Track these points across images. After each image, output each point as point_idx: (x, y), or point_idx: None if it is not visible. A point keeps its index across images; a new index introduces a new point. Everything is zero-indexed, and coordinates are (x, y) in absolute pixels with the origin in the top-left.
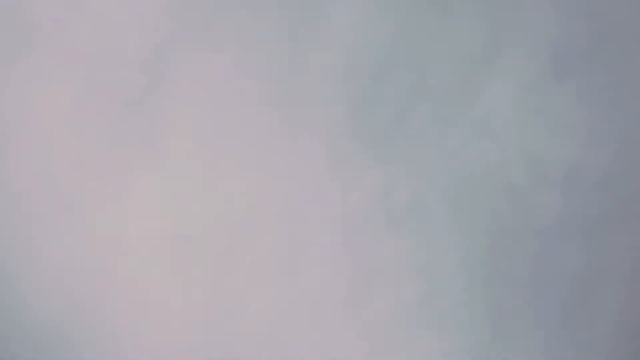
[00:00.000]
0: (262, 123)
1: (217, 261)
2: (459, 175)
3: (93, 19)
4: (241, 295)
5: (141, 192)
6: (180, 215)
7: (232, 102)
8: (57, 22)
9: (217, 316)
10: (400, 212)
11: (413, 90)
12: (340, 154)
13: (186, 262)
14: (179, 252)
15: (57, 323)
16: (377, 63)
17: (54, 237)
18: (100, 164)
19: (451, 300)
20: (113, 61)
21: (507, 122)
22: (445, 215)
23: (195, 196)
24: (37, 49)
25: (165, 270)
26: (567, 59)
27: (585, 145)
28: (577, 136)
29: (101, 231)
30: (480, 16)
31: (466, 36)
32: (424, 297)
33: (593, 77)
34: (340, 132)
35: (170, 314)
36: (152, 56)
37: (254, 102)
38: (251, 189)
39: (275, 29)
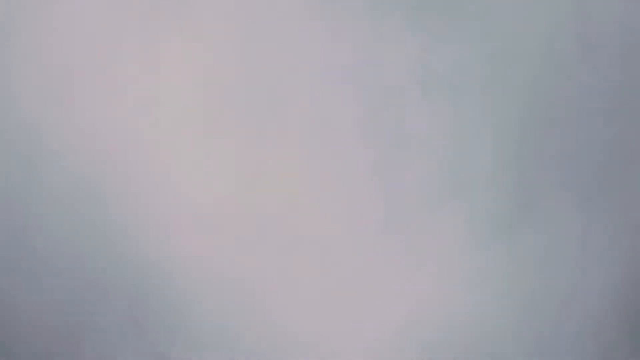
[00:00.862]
0: None
1: (247, 129)
2: (498, 46)
3: None
4: (269, 162)
5: (174, 61)
6: (212, 85)
7: None
8: None
9: (245, 182)
10: (435, 85)
11: None
12: (374, 25)
13: (216, 131)
14: (209, 120)
15: (86, 179)
16: None
17: (87, 103)
18: (134, 34)
19: (479, 172)
20: None
21: None
22: (481, 87)
23: (228, 67)
24: None
25: (196, 138)
26: None
27: (632, 15)
28: (625, 7)
29: (133, 100)
30: None
31: None
32: (451, 169)
33: None
34: (375, 2)
35: (199, 179)
36: None
37: None
38: (283, 59)
39: None
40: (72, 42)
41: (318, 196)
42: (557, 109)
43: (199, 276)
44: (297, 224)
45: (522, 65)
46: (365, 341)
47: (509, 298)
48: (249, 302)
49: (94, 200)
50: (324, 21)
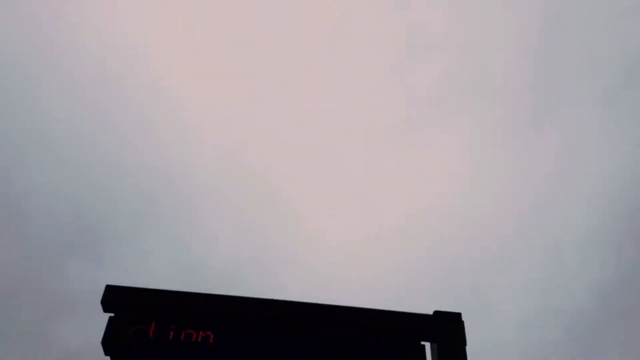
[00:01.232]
0: None
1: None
2: None
3: None
4: (288, 63)
5: None
6: None
7: None
8: None
9: (267, 84)
10: None
11: None
12: None
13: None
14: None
15: (107, 70)
16: None
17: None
18: None
19: (500, 73)
20: None
21: None
22: None
23: None
24: None
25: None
26: None
27: None
28: None
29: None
30: None
31: None
32: (473, 69)
33: None
34: None
35: (225, 79)
36: None
37: None
38: None
39: None
40: None
41: (335, 98)
42: (579, 14)
43: (223, 171)
44: (316, 128)
45: None
46: (381, 233)
47: (524, 191)
48: (269, 196)
49: (116, 92)
50: None
